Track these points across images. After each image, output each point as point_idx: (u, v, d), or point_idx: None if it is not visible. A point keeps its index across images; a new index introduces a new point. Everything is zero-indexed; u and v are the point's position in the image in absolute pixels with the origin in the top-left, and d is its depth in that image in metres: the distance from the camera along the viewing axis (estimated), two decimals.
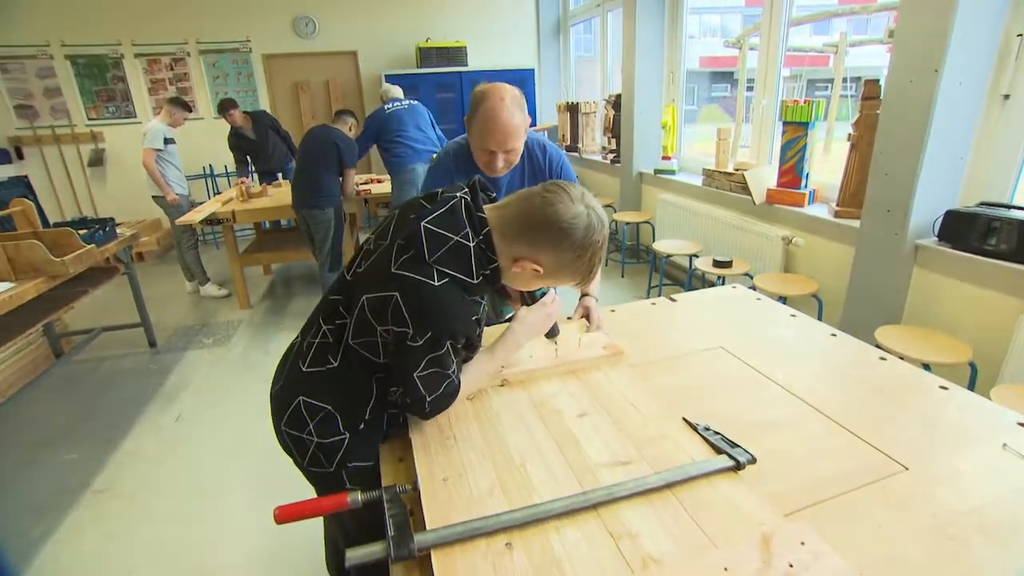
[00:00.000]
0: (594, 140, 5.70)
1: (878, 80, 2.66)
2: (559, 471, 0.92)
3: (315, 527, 1.38)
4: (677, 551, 0.76)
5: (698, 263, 3.17)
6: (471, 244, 0.97)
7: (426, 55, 5.89)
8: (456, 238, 0.96)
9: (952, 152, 2.28)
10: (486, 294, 1.10)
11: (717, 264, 3.11)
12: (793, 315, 1.61)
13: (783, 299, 2.71)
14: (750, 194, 3.31)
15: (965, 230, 2.20)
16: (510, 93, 1.43)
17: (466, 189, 1.03)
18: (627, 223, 4.30)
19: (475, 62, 6.04)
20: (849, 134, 2.78)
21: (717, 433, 0.98)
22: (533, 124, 5.54)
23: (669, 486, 0.86)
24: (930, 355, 2.02)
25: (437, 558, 0.76)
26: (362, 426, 1.04)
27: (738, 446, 0.94)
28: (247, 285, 4.22)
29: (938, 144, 2.22)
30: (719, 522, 0.80)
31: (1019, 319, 1.99)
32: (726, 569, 0.72)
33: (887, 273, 2.46)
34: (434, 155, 1.70)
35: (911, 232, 2.35)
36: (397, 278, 0.93)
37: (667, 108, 4.23)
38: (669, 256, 3.50)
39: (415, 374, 0.96)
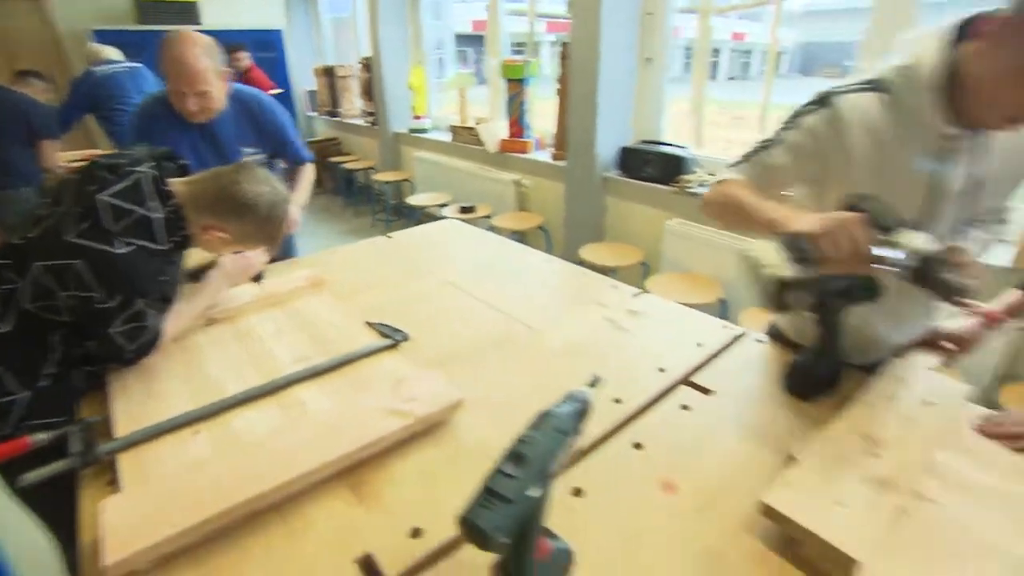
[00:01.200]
0: (353, 104, 5.67)
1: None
2: (251, 379, 1.06)
3: None
4: (333, 406, 0.97)
5: (446, 211, 3.49)
6: (159, 216, 1.04)
7: (147, 10, 5.18)
8: (141, 211, 1.02)
9: (620, 102, 2.87)
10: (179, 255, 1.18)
11: (463, 210, 3.45)
12: (488, 237, 1.95)
13: (518, 234, 3.16)
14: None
15: (632, 162, 2.81)
16: (199, 39, 1.58)
17: (153, 162, 1.09)
18: (387, 182, 4.46)
19: (210, 20, 5.49)
20: (557, 88, 3.28)
21: (386, 325, 1.22)
22: (284, 90, 5.31)
23: (337, 367, 1.07)
24: (615, 261, 2.58)
25: (123, 460, 0.86)
26: (44, 383, 1.05)
27: (400, 331, 1.19)
28: None
29: (607, 95, 2.77)
30: (369, 380, 1.04)
31: (665, 225, 2.64)
32: (366, 405, 0.94)
33: (588, 202, 3.02)
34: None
35: (599, 167, 2.91)
36: (76, 247, 0.95)
37: (414, 70, 4.42)
38: (424, 208, 3.76)
39: (111, 331, 1.00)
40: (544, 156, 3.44)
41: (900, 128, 0.89)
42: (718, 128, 8.19)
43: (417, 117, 4.54)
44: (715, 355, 1.16)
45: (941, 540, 0.70)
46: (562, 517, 0.72)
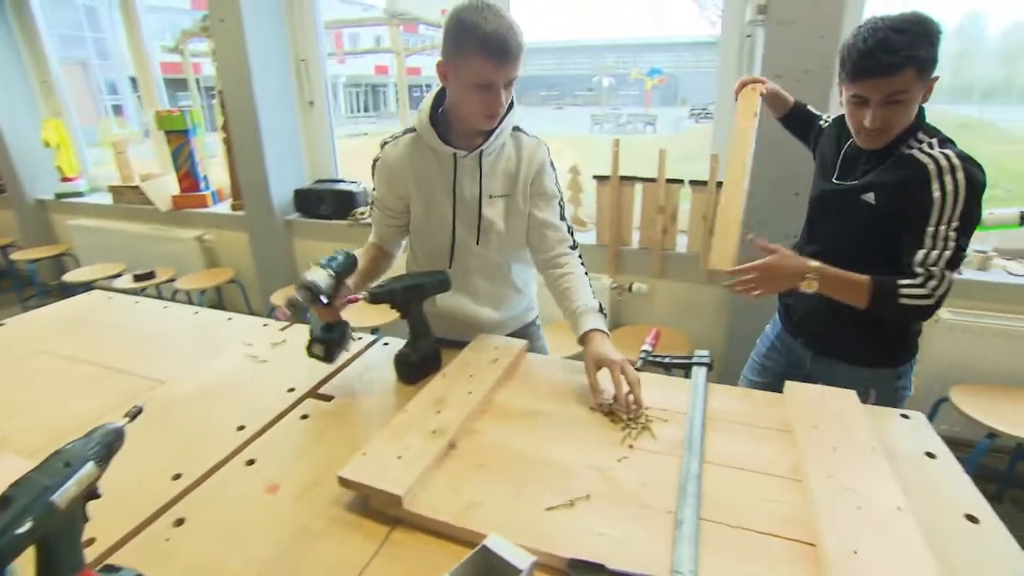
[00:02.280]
0: None
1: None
2: None
3: None
4: None
5: (119, 282, 3.07)
6: None
7: None
8: None
9: (287, 145, 2.92)
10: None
11: (138, 278, 3.08)
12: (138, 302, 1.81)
13: (208, 292, 2.95)
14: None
15: (308, 203, 2.89)
16: None
17: None
18: (35, 260, 3.68)
19: None
20: (223, 137, 3.16)
21: None
22: None
23: None
24: None
25: None
26: None
27: None
28: None
29: (272, 140, 2.80)
30: None
31: None
32: None
33: (274, 247, 2.99)
34: None
35: (278, 211, 2.91)
36: None
37: (47, 124, 3.77)
38: (94, 282, 3.23)
39: None
40: (225, 208, 3.29)
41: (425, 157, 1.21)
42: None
43: (67, 179, 3.88)
44: (346, 365, 1.29)
45: (484, 457, 0.92)
46: (156, 547, 0.78)
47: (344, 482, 0.85)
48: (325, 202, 2.80)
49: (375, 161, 1.27)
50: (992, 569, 0.73)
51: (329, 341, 1.15)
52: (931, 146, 1.11)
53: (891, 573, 0.66)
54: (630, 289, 2.40)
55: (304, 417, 1.09)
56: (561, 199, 1.32)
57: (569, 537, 0.76)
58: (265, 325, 1.52)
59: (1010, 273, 2.02)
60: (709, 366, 1.21)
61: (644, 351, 1.27)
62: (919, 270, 1.08)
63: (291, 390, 1.18)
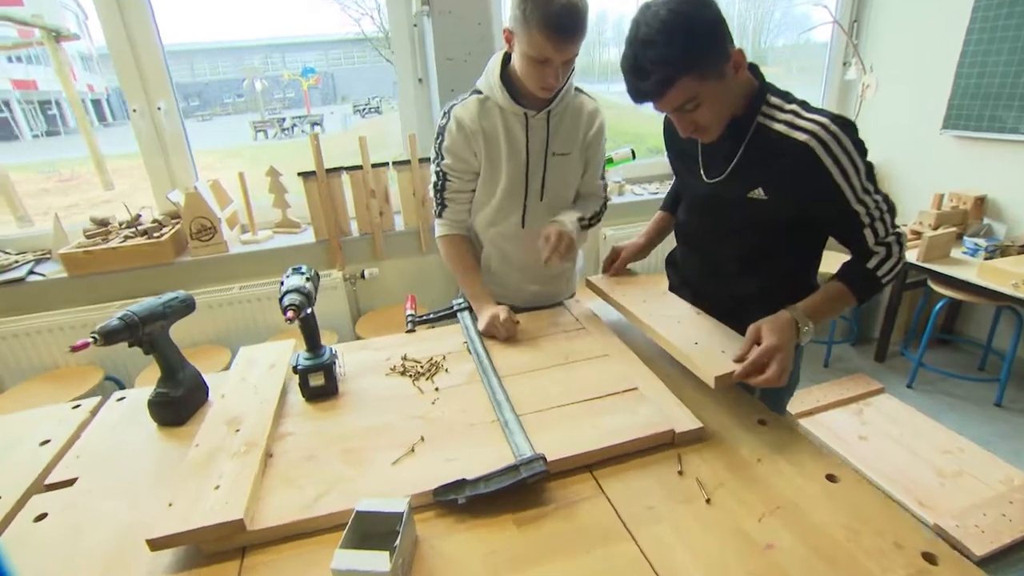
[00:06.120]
0: None
1: None
2: None
3: None
4: None
5: None
6: None
7: None
8: None
9: None
10: None
11: None
12: None
13: None
14: None
15: None
16: None
17: None
18: None
19: None
20: None
21: None
22: None
23: None
24: None
25: None
26: None
27: None
28: None
29: None
30: None
31: None
32: None
33: None
34: None
35: None
36: None
37: None
38: None
39: None
40: None
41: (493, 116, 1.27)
42: (49, 195, 6.91)
43: None
44: (74, 439, 1.04)
45: (308, 450, 0.90)
46: None
47: (158, 544, 0.73)
48: None
49: (441, 130, 1.31)
50: None
51: (328, 365, 1.06)
52: (796, 115, 0.95)
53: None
54: (363, 276, 2.44)
55: (40, 518, 0.84)
56: (603, 159, 1.43)
57: (424, 475, 0.82)
58: None
59: (636, 194, 2.76)
60: (469, 308, 1.38)
61: (409, 314, 1.36)
62: (878, 249, 0.99)
63: None
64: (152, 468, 0.95)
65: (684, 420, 0.91)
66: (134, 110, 2.13)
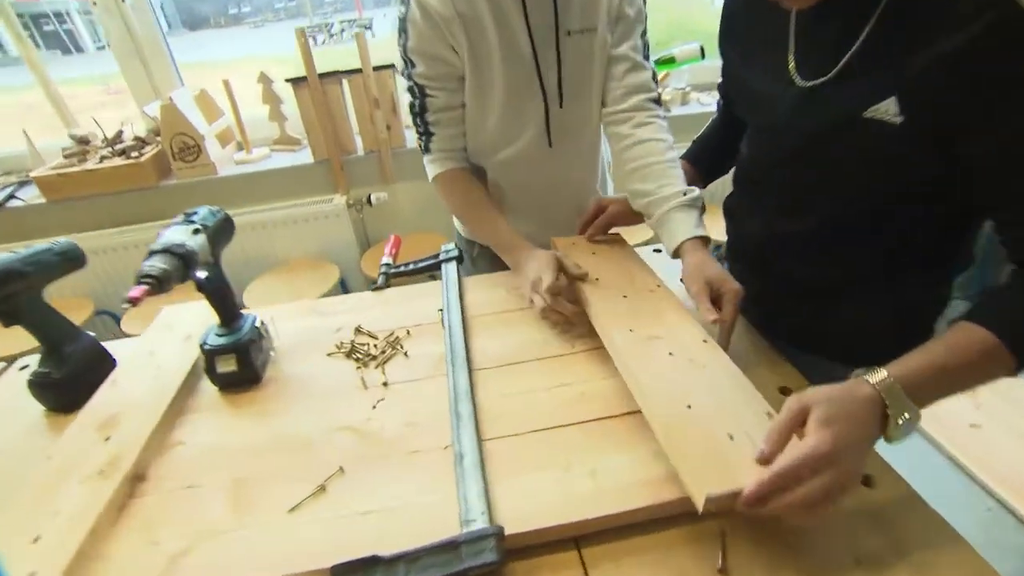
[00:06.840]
0: None
1: None
2: None
3: None
4: None
5: None
6: None
7: None
8: None
9: None
10: None
11: None
12: None
13: None
14: None
15: None
16: None
17: None
18: None
19: None
20: None
21: None
22: None
23: None
24: None
25: None
26: None
27: None
28: None
29: None
30: None
31: None
32: None
33: None
34: None
35: None
36: None
37: None
38: None
39: None
40: None
41: None
42: (105, 109, 6.79)
43: None
44: None
45: (191, 476, 0.65)
46: None
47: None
48: None
49: (402, 24, 0.90)
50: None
51: (243, 345, 0.78)
52: None
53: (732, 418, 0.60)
54: (369, 202, 2.14)
55: None
56: (646, 31, 0.98)
57: (326, 534, 0.56)
58: None
59: (702, 103, 2.25)
60: (459, 259, 1.06)
61: (385, 264, 1.07)
62: None
63: None
64: (12, 472, 0.72)
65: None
66: (93, 3, 1.81)
